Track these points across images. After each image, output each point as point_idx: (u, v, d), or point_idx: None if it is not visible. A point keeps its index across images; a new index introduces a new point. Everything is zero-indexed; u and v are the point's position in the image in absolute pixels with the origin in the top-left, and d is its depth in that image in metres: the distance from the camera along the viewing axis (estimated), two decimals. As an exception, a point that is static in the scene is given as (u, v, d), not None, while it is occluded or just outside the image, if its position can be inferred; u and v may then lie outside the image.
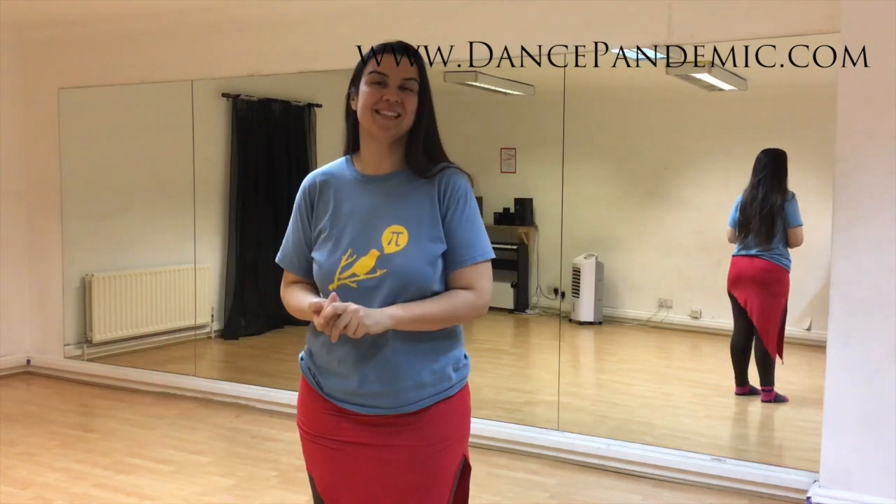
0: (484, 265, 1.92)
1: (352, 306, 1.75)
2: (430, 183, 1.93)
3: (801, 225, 5.03)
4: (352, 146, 2.00)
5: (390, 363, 1.88)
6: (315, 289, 1.98)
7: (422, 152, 1.93)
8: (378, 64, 1.90)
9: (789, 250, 5.11)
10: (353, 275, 1.88)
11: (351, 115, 1.97)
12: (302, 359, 2.05)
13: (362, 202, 1.93)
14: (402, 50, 1.91)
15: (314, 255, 1.95)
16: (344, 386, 1.92)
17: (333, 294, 1.79)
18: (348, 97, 1.97)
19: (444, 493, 1.96)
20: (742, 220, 5.15)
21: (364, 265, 1.88)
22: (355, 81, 1.94)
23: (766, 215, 5.05)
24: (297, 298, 1.98)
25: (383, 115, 1.87)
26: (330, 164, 2.03)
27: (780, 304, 5.14)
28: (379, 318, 1.78)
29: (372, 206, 1.92)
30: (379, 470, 1.91)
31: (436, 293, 1.90)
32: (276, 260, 2.07)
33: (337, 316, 1.73)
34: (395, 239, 1.88)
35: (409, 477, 1.91)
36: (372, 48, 1.93)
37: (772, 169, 5.08)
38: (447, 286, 1.93)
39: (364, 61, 1.93)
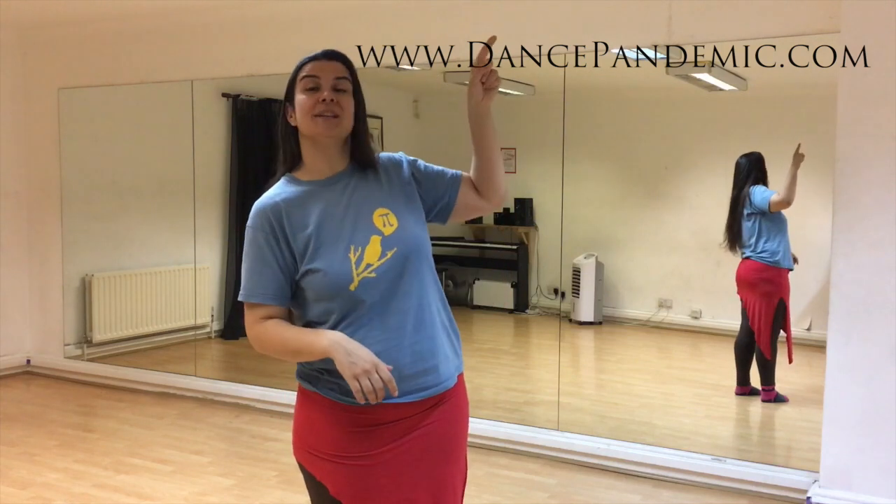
0: None
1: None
2: (378, 171, 2.00)
3: (770, 196, 5.01)
4: (290, 164, 1.99)
5: (427, 337, 1.90)
6: (288, 319, 1.93)
7: (366, 148, 1.99)
8: (309, 69, 1.93)
9: (782, 242, 5.10)
10: (368, 265, 1.87)
11: (290, 132, 1.97)
12: (311, 382, 1.93)
13: (332, 203, 1.93)
14: (328, 55, 1.95)
15: (310, 266, 1.87)
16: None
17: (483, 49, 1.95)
18: (284, 115, 1.97)
19: (462, 479, 2.00)
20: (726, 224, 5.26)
21: (373, 253, 1.88)
22: (289, 97, 1.96)
23: (733, 214, 5.17)
24: (289, 333, 1.87)
25: (324, 117, 1.89)
26: (270, 190, 1.98)
27: (771, 304, 5.13)
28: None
29: (344, 202, 1.93)
30: (412, 468, 1.90)
31: (431, 265, 1.97)
32: (242, 297, 1.92)
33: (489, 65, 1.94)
34: (386, 220, 1.92)
35: (438, 469, 1.92)
36: (300, 61, 1.96)
37: (743, 171, 5.19)
38: (464, 205, 2.03)
39: (295, 72, 1.95)
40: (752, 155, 5.20)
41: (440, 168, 2.05)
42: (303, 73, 1.93)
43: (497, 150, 2.01)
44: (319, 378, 1.92)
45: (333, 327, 1.87)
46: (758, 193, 5.07)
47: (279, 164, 2.01)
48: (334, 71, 1.92)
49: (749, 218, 5.11)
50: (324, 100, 1.89)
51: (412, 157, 2.05)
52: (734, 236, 5.19)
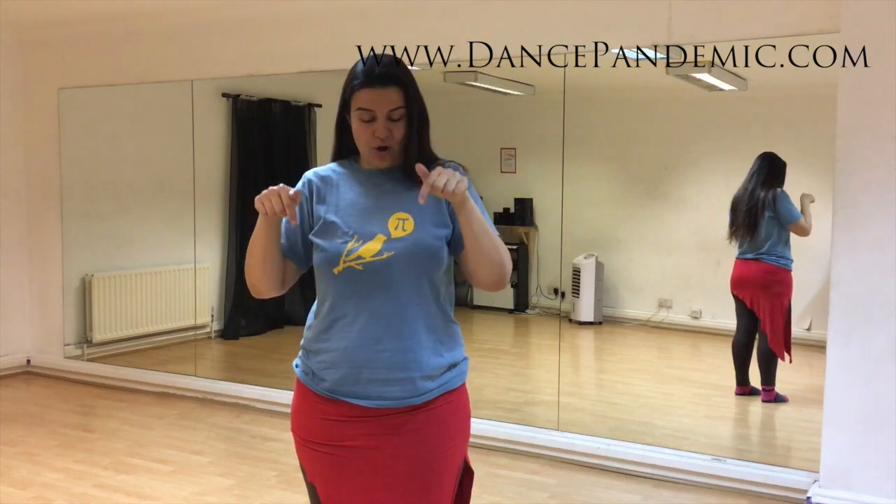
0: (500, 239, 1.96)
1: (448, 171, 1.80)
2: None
3: (799, 219, 5.07)
4: (340, 156, 2.04)
5: (399, 349, 1.90)
6: (280, 262, 2.00)
7: (418, 153, 1.96)
8: (364, 100, 1.90)
9: (791, 248, 5.12)
10: (359, 257, 1.90)
11: (348, 129, 1.98)
12: (297, 365, 2.03)
13: (366, 192, 1.98)
14: (383, 81, 1.90)
15: (315, 238, 1.96)
16: (349, 374, 1.90)
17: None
18: (343, 116, 1.98)
19: (446, 496, 1.96)
20: (732, 217, 5.21)
21: (370, 249, 1.90)
22: (346, 107, 1.96)
23: (750, 210, 5.10)
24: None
25: (378, 150, 1.94)
26: (329, 164, 2.06)
27: (783, 305, 5.15)
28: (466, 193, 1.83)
29: (376, 196, 1.97)
30: (383, 473, 1.91)
31: (437, 281, 1.94)
32: None
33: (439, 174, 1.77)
34: (401, 224, 1.93)
35: (413, 481, 1.91)
36: (353, 81, 1.92)
37: (766, 169, 5.14)
38: (464, 266, 1.95)
39: (350, 91, 1.92)
40: (772, 155, 5.16)
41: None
42: (357, 103, 1.91)
43: (484, 244, 1.88)
44: (301, 361, 2.02)
45: (327, 314, 1.95)
46: (785, 205, 5.05)
47: (333, 154, 2.07)
48: (389, 102, 1.89)
49: (771, 221, 5.09)
50: (378, 136, 1.91)
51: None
52: (750, 234, 5.11)
